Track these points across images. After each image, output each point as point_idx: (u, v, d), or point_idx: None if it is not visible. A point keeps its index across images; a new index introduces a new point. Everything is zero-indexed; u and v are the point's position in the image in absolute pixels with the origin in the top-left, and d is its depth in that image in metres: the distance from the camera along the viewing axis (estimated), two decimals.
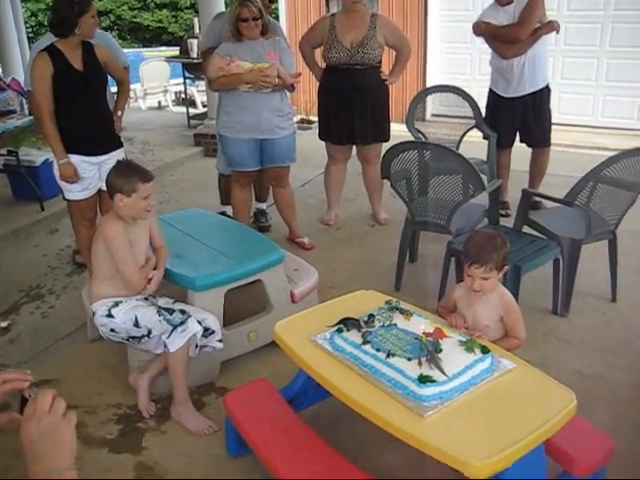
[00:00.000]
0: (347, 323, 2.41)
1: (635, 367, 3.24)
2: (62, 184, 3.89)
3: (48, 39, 3.87)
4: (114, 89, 4.28)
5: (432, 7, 8.14)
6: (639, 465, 2.58)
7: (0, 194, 5.77)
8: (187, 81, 9.24)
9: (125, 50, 5.63)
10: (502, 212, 4.87)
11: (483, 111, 5.19)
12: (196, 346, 2.94)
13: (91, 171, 3.89)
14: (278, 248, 3.44)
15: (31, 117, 5.67)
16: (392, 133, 4.92)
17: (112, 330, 2.96)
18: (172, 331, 2.82)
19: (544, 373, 2.23)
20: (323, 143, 5.09)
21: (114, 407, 3.04)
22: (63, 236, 5.11)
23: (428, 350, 2.16)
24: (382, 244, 4.75)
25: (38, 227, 5.28)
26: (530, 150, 5.21)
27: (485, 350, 2.24)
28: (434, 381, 2.05)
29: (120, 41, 17.16)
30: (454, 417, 2.00)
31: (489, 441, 1.90)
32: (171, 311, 2.91)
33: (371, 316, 2.43)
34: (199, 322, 2.89)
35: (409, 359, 2.17)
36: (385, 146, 4.12)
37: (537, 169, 5.20)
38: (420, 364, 2.13)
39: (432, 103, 5.88)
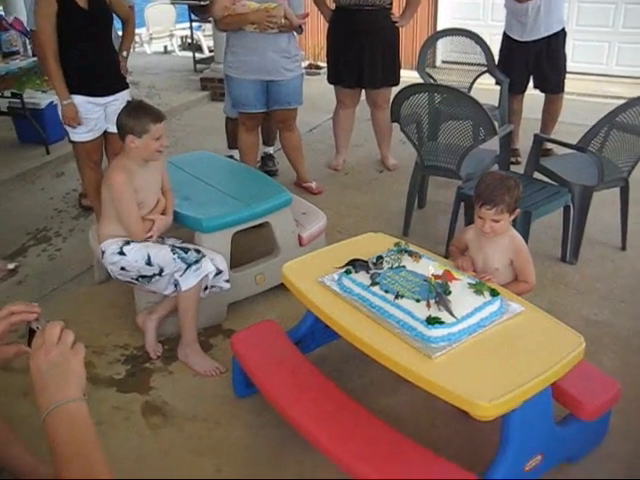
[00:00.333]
0: (355, 265, 2.39)
1: None
2: (66, 126, 3.84)
3: None
4: (120, 32, 4.18)
5: None
6: None
7: (5, 137, 5.71)
8: (194, 24, 9.06)
9: None
10: (512, 159, 4.81)
11: (495, 57, 5.07)
12: (205, 288, 2.93)
13: (96, 112, 3.83)
14: (286, 191, 3.40)
15: (35, 58, 5.57)
16: (402, 80, 4.81)
17: (122, 268, 2.94)
18: (186, 269, 2.81)
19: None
20: (331, 88, 5.00)
21: (121, 348, 3.06)
22: (69, 179, 5.07)
23: (437, 292, 2.14)
24: (390, 190, 4.71)
25: (44, 170, 5.23)
26: (543, 97, 5.10)
27: (494, 293, 2.21)
28: (442, 323, 2.04)
29: None
30: (462, 358, 1.99)
31: (497, 382, 1.89)
32: (186, 250, 2.90)
33: (380, 258, 2.41)
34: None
35: (417, 300, 2.15)
36: (394, 90, 4.04)
37: (550, 116, 5.09)
38: (429, 306, 2.11)
39: (443, 49, 5.75)
